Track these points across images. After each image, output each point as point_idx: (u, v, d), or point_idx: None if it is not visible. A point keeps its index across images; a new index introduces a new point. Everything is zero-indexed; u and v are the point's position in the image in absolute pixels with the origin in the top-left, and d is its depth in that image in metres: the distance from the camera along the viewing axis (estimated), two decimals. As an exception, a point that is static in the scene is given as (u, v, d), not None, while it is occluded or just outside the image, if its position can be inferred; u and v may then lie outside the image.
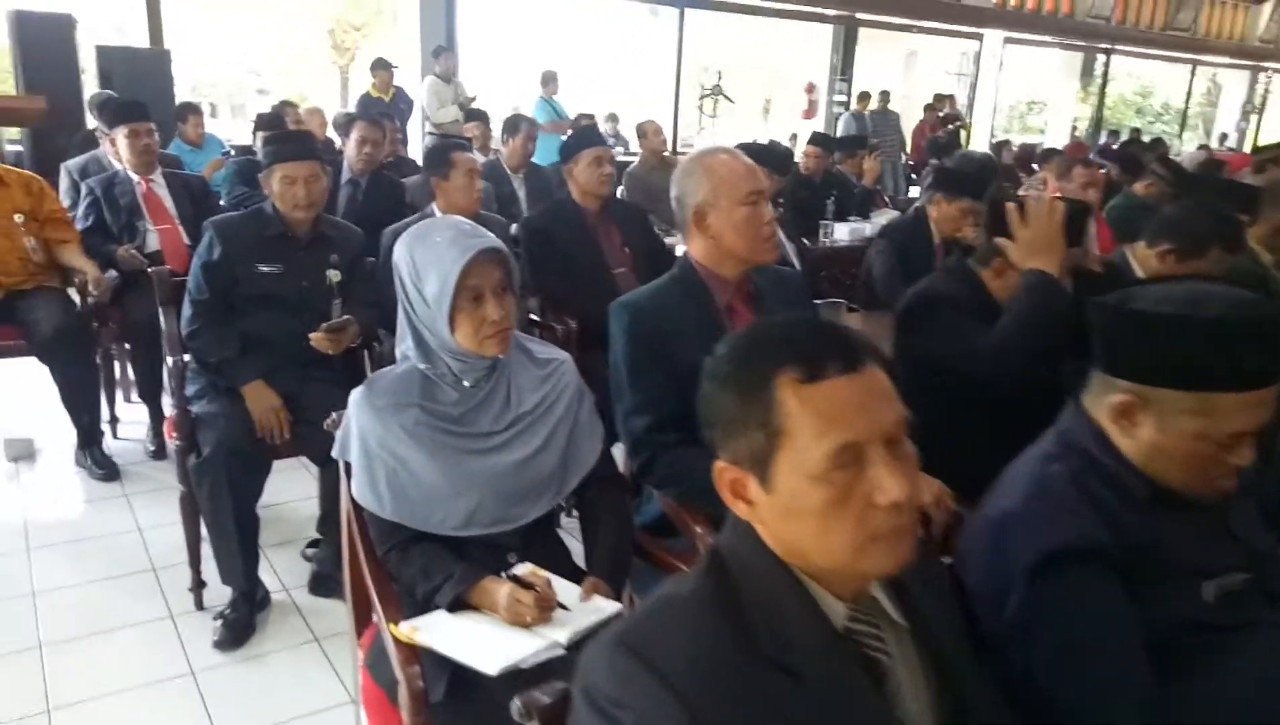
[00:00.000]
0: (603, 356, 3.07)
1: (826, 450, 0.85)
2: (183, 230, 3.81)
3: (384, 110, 7.01)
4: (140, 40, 7.90)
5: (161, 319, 2.76)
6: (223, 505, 2.42)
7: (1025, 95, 17.61)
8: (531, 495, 1.60)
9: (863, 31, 11.96)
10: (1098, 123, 14.98)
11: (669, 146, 6.08)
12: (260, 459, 2.54)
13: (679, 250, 4.22)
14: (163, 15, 7.89)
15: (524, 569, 1.53)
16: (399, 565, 1.54)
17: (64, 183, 4.22)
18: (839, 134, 10.97)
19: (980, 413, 1.81)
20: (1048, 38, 13.80)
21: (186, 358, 2.70)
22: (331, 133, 6.96)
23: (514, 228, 3.75)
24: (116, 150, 3.83)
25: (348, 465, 1.62)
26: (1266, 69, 16.98)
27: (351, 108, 11.65)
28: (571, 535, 1.79)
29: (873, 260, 3.51)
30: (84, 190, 3.79)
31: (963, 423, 1.75)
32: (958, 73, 14.55)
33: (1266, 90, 17.33)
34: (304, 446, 2.63)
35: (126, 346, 3.78)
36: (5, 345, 3.34)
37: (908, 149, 11.56)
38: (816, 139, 5.83)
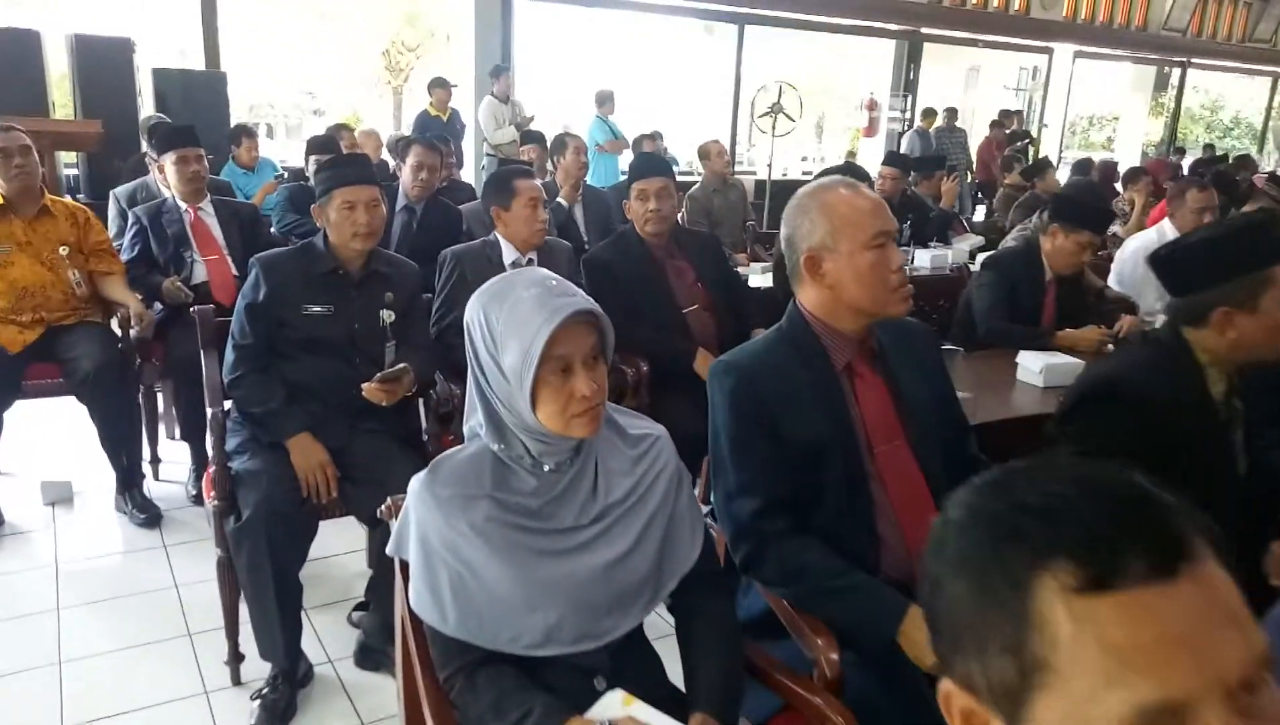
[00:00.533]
0: (675, 400, 2.85)
1: (1124, 710, 0.53)
2: (231, 261, 3.63)
3: (441, 131, 6.84)
4: (197, 63, 7.87)
5: (204, 363, 2.54)
6: (263, 576, 2.18)
7: (1092, 109, 17.01)
8: (622, 605, 1.32)
9: (925, 46, 11.59)
10: (1171, 138, 14.37)
11: (732, 167, 5.79)
12: (305, 521, 2.30)
13: (753, 280, 3.97)
14: (220, 37, 7.84)
15: (615, 701, 1.24)
16: (465, 695, 1.26)
17: (112, 210, 4.08)
18: (903, 152, 10.65)
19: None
20: (1120, 51, 13.27)
21: (228, 405, 2.48)
22: (386, 155, 6.83)
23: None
24: (165, 177, 3.66)
25: (404, 564, 1.36)
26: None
27: (406, 129, 11.63)
28: (660, 627, 1.50)
29: (973, 293, 3.19)
30: (130, 219, 3.63)
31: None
32: (1016, 88, 14.11)
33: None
34: (352, 505, 2.39)
35: (169, 383, 3.58)
36: (44, 383, 3.18)
37: (973, 167, 11.15)
38: (892, 159, 5.50)
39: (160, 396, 3.69)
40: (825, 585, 1.45)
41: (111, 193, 4.14)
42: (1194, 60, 13.86)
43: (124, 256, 3.57)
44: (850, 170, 4.87)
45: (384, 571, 2.37)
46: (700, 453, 1.81)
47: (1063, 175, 8.55)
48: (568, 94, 10.47)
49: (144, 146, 3.69)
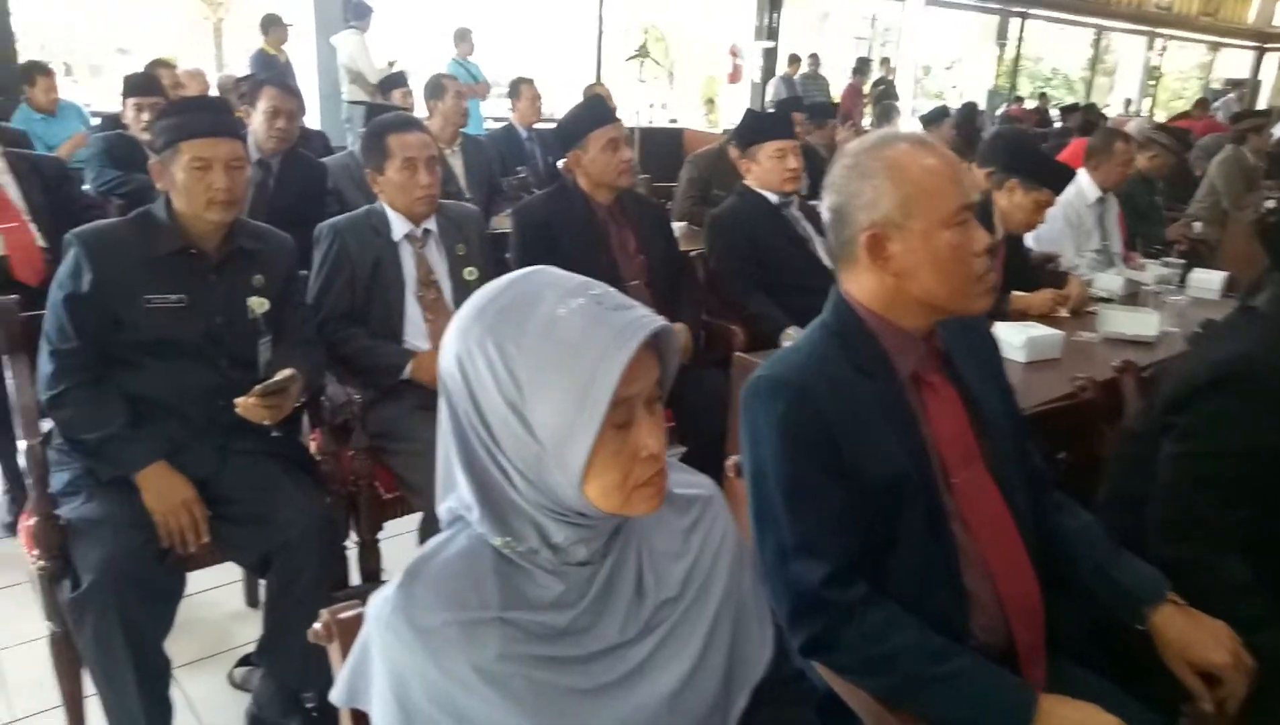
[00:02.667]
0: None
1: None
2: (35, 228, 2.92)
3: (283, 71, 6.03)
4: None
5: (8, 377, 1.92)
6: (117, 656, 1.65)
7: (935, 58, 17.41)
8: (687, 742, 0.93)
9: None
10: (1011, 86, 14.90)
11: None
12: (167, 580, 1.77)
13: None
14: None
15: None
16: None
17: None
18: (768, 99, 10.46)
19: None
20: (969, 0, 13.55)
21: (46, 426, 1.89)
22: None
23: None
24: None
25: (358, 715, 0.92)
26: (1162, 35, 17.27)
27: (229, 69, 10.42)
28: None
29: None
30: (-108, 179, 2.85)
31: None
32: (857, 37, 14.23)
33: (1163, 55, 17.66)
34: (230, 551, 1.89)
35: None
36: None
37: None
38: (796, 105, 5.18)
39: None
40: (926, 673, 1.11)
41: None
42: (1031, 11, 14.34)
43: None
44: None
45: (279, 625, 1.89)
46: (721, 458, 1.46)
47: (914, 123, 8.45)
48: (422, 35, 9.62)
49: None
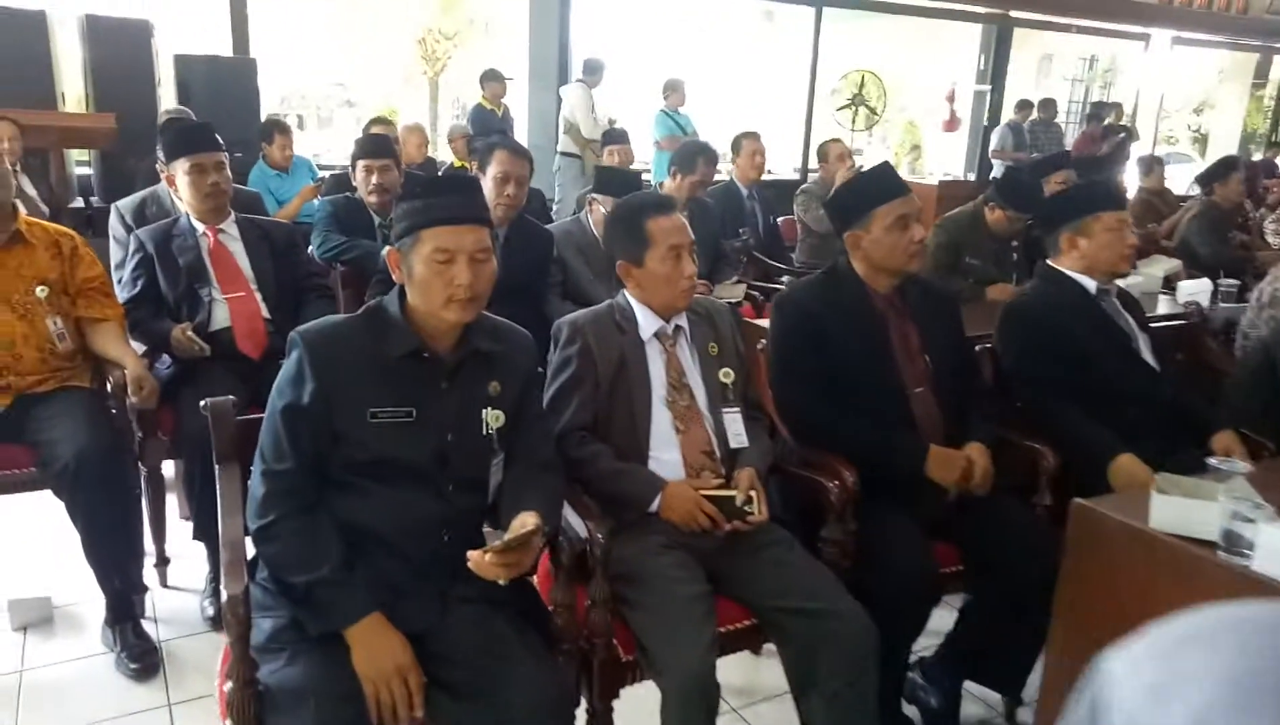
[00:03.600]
0: (893, 527, 1.95)
1: None
2: (261, 299, 2.79)
3: (499, 126, 5.98)
4: (224, 50, 7.06)
5: (219, 491, 1.68)
6: None
7: (1177, 101, 15.78)
8: None
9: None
10: (1273, 131, 13.21)
11: (849, 166, 4.89)
12: (376, 768, 1.45)
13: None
14: (249, 23, 7.02)
15: None
16: None
17: (114, 226, 3.25)
18: (994, 148, 9.66)
19: None
20: (1219, 37, 12.16)
21: (250, 551, 1.63)
22: (431, 152, 6.00)
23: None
24: (177, 190, 2.82)
25: None
26: None
27: (442, 121, 10.74)
28: None
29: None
30: (132, 244, 2.80)
31: None
32: (1073, 79, 13.02)
33: None
34: (446, 726, 1.54)
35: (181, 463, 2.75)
36: (13, 475, 2.36)
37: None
38: (1063, 163, 4.53)
39: (172, 479, 2.85)
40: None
41: (113, 206, 3.31)
42: (1300, 47, 12.68)
43: (123, 295, 2.75)
44: (1016, 182, 3.97)
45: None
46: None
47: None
48: (628, 87, 9.55)
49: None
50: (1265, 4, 11.78)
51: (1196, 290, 3.71)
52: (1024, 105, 9.54)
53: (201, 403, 1.75)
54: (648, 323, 1.99)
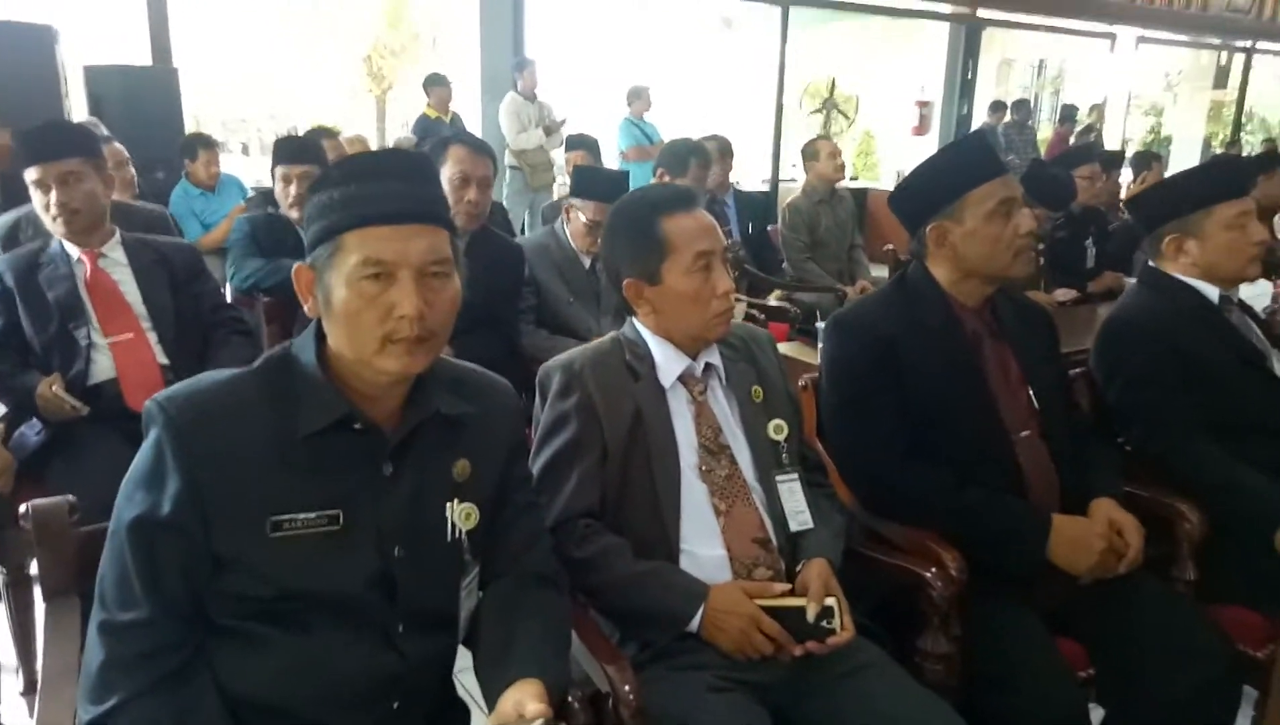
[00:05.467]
0: (1010, 631, 1.39)
1: None
2: (155, 339, 2.21)
3: (448, 137, 5.40)
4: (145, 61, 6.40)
5: (40, 647, 1.11)
6: None
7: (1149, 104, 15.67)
8: None
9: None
10: (1236, 129, 13.10)
11: (844, 173, 4.43)
12: None
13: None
14: (169, 30, 6.36)
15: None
16: None
17: (-23, 257, 2.63)
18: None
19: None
20: (1182, 36, 12.03)
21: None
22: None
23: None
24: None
25: None
26: None
27: (390, 141, 10.15)
28: None
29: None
30: (-11, 275, 2.20)
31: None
32: (1021, 85, 12.83)
33: None
34: None
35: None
36: None
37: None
38: (1086, 157, 4.09)
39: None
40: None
41: (-24, 230, 2.69)
42: (1259, 45, 12.62)
43: (-25, 341, 2.14)
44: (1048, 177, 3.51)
45: None
46: None
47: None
48: (586, 94, 9.04)
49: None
50: (1224, 1, 11.69)
51: (1254, 294, 3.27)
52: (998, 107, 9.25)
53: (21, 509, 1.17)
54: (669, 363, 1.45)
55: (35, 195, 2.12)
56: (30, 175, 2.11)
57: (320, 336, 1.08)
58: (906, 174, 1.73)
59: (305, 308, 1.09)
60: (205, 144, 4.91)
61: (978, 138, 1.75)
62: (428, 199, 1.08)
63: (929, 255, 1.62)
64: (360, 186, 1.03)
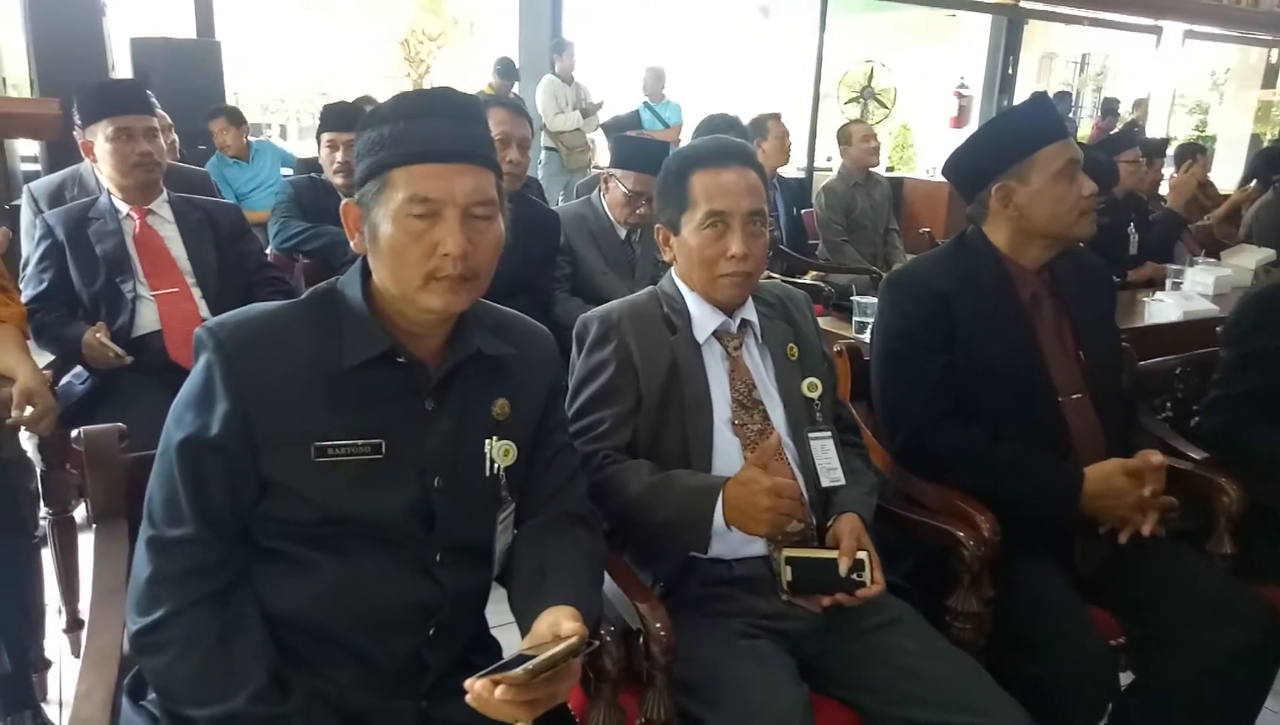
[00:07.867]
0: (1044, 591, 1.39)
1: None
2: (199, 295, 2.26)
3: (487, 99, 5.45)
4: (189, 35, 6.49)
5: (93, 567, 1.14)
6: None
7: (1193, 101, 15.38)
8: None
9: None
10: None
11: (878, 157, 4.40)
12: None
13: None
14: (214, 11, 6.44)
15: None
16: None
17: (25, 216, 2.70)
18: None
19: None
20: (1231, 31, 11.78)
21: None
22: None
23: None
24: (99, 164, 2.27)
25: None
26: None
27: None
28: None
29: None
30: (39, 229, 2.25)
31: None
32: (1063, 82, 12.60)
33: None
34: None
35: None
36: None
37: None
38: (1129, 142, 4.03)
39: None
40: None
41: (25, 188, 2.76)
42: (1311, 42, 12.33)
43: (27, 292, 2.20)
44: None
45: None
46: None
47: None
48: (623, 80, 9.04)
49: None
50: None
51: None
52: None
53: (74, 434, 1.20)
54: (704, 317, 1.46)
55: (113, 146, 2.15)
56: (108, 127, 2.15)
57: (366, 272, 1.10)
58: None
59: (352, 244, 1.11)
60: (224, 112, 5.00)
61: (1044, 99, 1.73)
62: (477, 139, 1.09)
63: (988, 218, 1.62)
64: (410, 124, 1.05)
